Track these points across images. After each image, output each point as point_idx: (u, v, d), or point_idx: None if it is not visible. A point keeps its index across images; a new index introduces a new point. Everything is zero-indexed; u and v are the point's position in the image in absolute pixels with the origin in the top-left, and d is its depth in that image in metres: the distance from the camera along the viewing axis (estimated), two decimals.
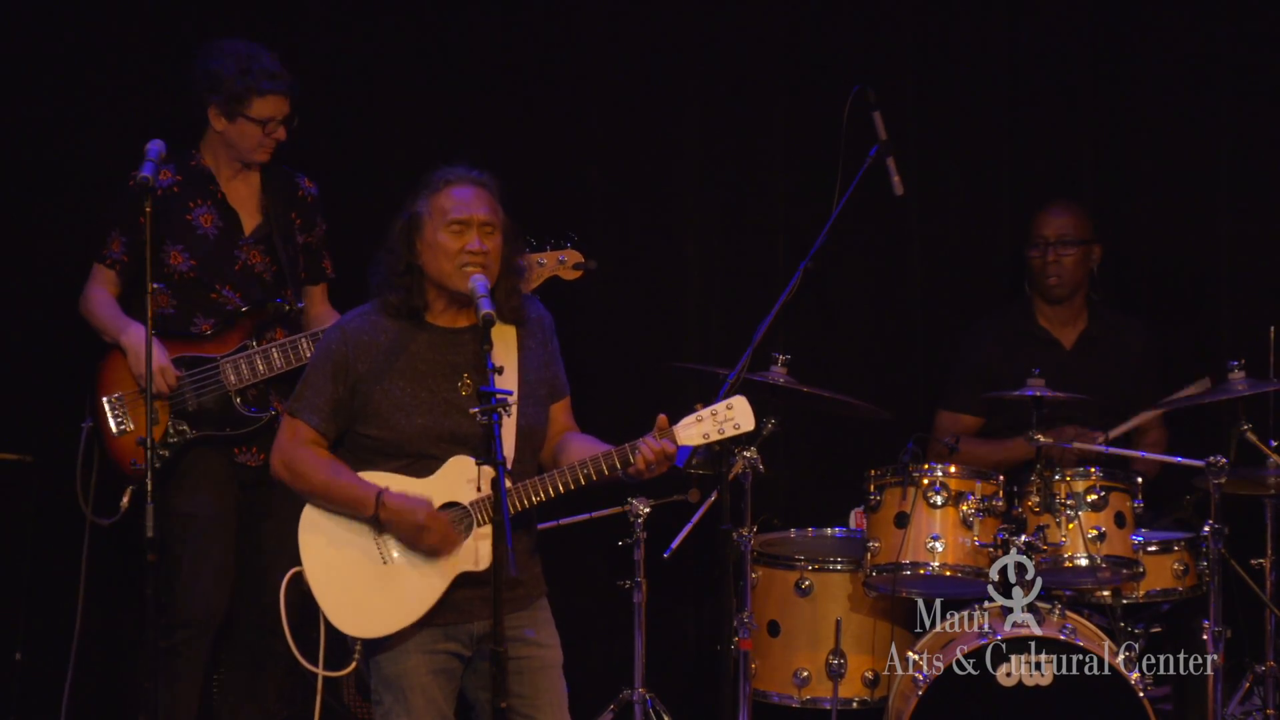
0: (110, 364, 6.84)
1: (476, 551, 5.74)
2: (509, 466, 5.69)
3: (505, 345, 5.83)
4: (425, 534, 5.70)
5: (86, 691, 7.36)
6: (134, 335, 6.77)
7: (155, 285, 6.80)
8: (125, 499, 6.82)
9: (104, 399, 6.83)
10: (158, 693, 6.55)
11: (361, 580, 5.77)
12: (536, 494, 5.76)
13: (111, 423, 6.83)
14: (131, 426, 6.81)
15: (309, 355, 6.75)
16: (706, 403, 5.81)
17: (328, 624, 5.82)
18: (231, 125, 6.81)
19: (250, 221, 6.92)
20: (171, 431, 6.78)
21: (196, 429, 6.72)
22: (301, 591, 5.81)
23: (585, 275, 7.81)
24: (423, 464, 5.76)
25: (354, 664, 5.84)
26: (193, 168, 6.86)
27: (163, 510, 6.46)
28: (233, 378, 6.81)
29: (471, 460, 5.73)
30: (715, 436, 5.78)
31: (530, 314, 5.92)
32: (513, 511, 5.68)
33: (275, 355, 6.81)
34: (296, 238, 6.96)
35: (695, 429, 5.77)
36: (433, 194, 5.81)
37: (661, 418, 5.76)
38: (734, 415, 5.78)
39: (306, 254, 7.01)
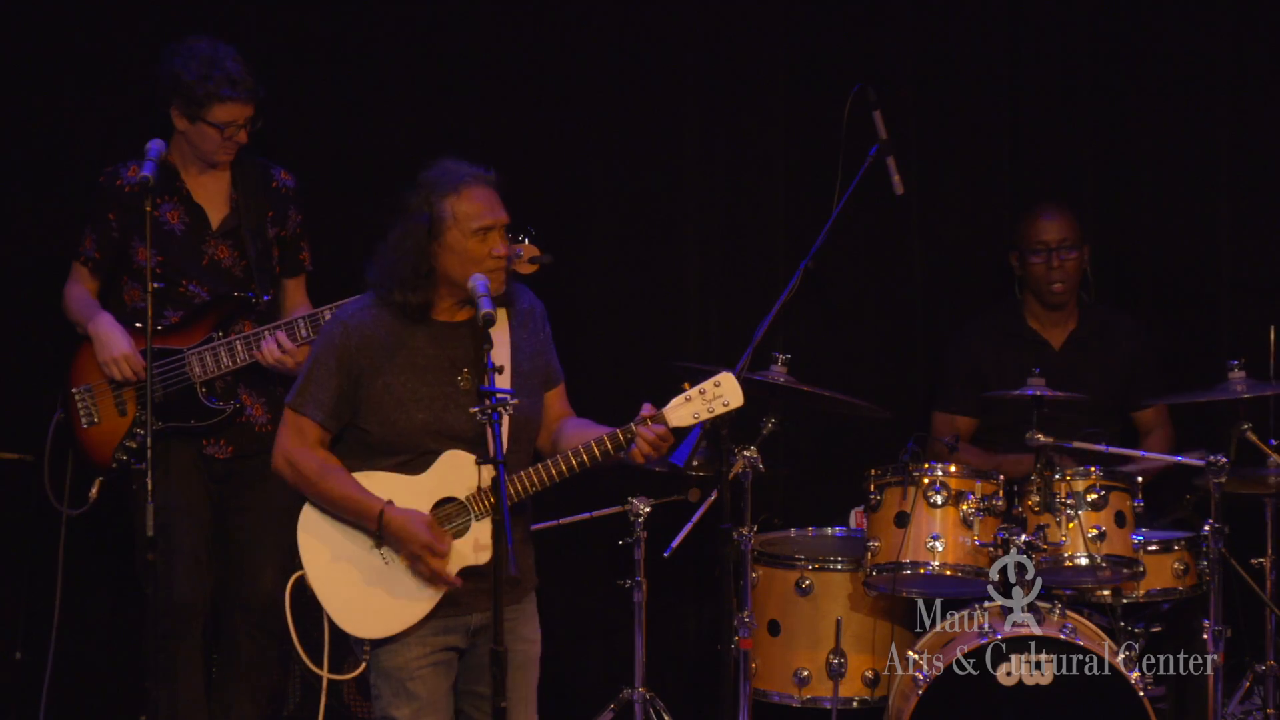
0: (81, 356, 6.89)
1: (476, 546, 5.74)
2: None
3: (499, 333, 5.81)
4: (421, 564, 5.72)
5: (67, 686, 7.38)
6: (100, 323, 6.82)
7: (126, 278, 6.91)
8: (94, 490, 6.85)
9: (73, 391, 6.86)
10: (159, 692, 6.56)
11: (364, 581, 5.78)
12: (531, 484, 5.76)
13: (80, 415, 6.85)
14: (99, 419, 6.85)
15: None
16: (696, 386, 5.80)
17: (332, 626, 5.82)
18: (192, 127, 6.82)
19: (217, 216, 6.93)
20: (140, 423, 6.80)
21: (162, 420, 6.72)
22: (303, 594, 5.82)
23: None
24: (421, 460, 5.76)
25: (363, 666, 5.83)
26: (160, 164, 6.86)
27: (133, 503, 6.52)
28: (198, 369, 6.83)
29: (464, 454, 5.73)
30: (705, 415, 5.75)
31: (522, 304, 5.91)
32: (510, 502, 5.69)
33: (239, 347, 6.82)
34: (268, 231, 6.97)
35: (685, 409, 5.76)
36: (451, 197, 5.76)
37: (647, 406, 5.76)
38: (722, 392, 5.76)
39: (281, 246, 7.01)
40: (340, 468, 5.78)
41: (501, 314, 5.86)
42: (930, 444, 7.51)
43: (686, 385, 5.77)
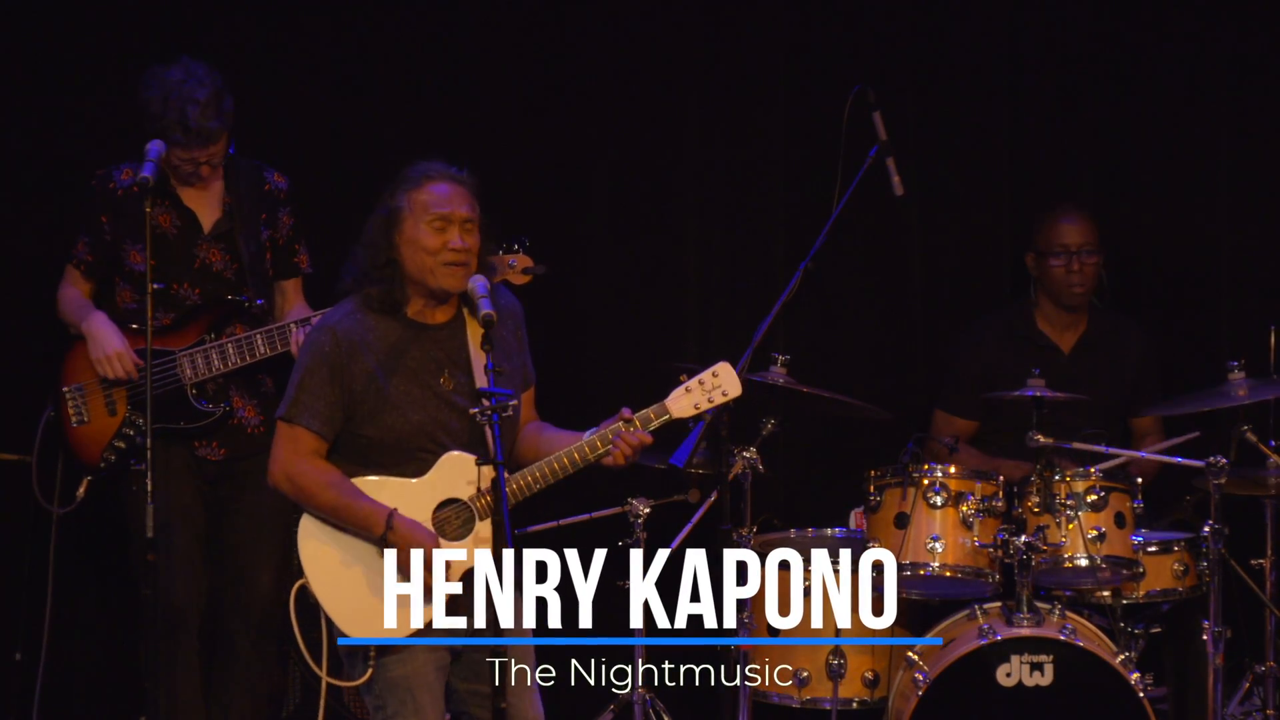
0: (74, 355, 6.91)
1: (478, 547, 5.74)
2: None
3: (470, 334, 5.82)
4: (419, 570, 5.72)
5: (61, 686, 7.38)
6: (95, 322, 6.85)
7: (117, 280, 6.91)
8: (82, 489, 6.88)
9: (64, 389, 6.87)
10: (157, 692, 6.56)
11: (367, 585, 5.77)
12: (537, 482, 5.77)
13: (70, 413, 6.85)
14: (89, 418, 6.86)
15: (265, 351, 6.79)
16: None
17: (335, 630, 5.80)
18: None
19: (209, 219, 6.94)
20: (129, 424, 6.81)
21: (153, 420, 6.71)
22: (305, 600, 5.81)
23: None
24: (418, 461, 5.77)
25: (369, 673, 5.82)
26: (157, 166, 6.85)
27: (130, 504, 6.52)
28: (189, 371, 6.84)
29: (463, 455, 5.74)
30: (706, 405, 5.84)
31: (501, 303, 5.90)
32: (512, 502, 5.72)
33: (230, 350, 6.83)
34: (261, 233, 6.97)
35: (685, 400, 5.83)
36: (413, 189, 5.80)
37: (624, 411, 5.79)
38: (721, 382, 5.84)
39: (274, 249, 7.02)
40: (342, 477, 5.78)
41: (468, 314, 5.86)
42: (928, 442, 7.51)
43: (684, 377, 5.85)
